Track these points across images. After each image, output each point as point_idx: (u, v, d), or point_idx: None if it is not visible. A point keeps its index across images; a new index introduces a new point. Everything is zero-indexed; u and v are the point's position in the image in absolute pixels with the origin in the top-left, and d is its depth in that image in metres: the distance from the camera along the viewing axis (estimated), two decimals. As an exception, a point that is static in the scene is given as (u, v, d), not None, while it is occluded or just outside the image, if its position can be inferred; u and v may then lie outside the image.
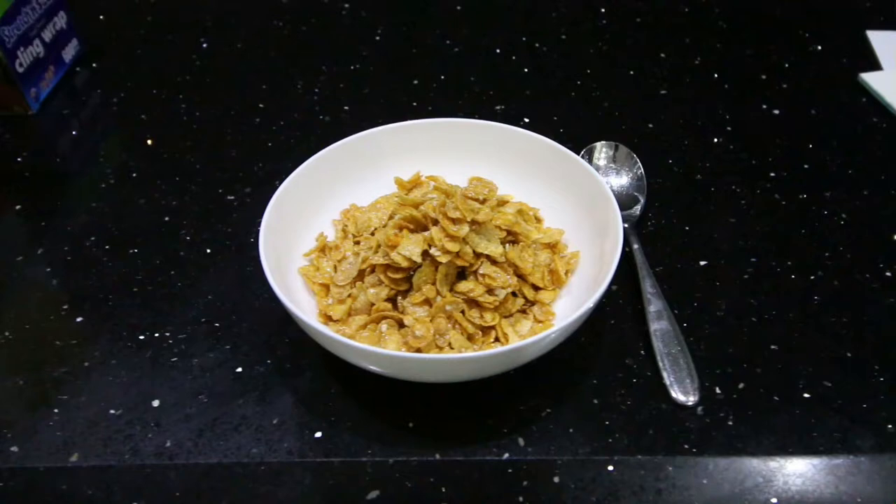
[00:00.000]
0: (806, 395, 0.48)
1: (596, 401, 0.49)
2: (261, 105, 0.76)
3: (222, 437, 0.47)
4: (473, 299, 0.48)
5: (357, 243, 0.54)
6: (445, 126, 0.60)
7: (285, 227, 0.53)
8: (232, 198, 0.65)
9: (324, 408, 0.49)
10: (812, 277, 0.56)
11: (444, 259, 0.47)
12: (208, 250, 0.60)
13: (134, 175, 0.68)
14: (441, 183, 0.57)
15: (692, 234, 0.61)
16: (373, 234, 0.54)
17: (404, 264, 0.48)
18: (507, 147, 0.59)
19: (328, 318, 0.50)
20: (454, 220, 0.48)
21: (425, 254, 0.48)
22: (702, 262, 0.58)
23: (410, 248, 0.48)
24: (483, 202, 0.52)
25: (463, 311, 0.49)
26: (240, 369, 0.51)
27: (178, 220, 0.63)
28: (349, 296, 0.50)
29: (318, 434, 0.47)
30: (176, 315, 0.55)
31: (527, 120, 0.72)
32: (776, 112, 0.73)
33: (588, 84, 0.78)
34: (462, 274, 0.50)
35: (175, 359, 0.52)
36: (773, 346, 0.52)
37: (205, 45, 0.84)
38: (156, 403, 0.49)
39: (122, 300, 0.56)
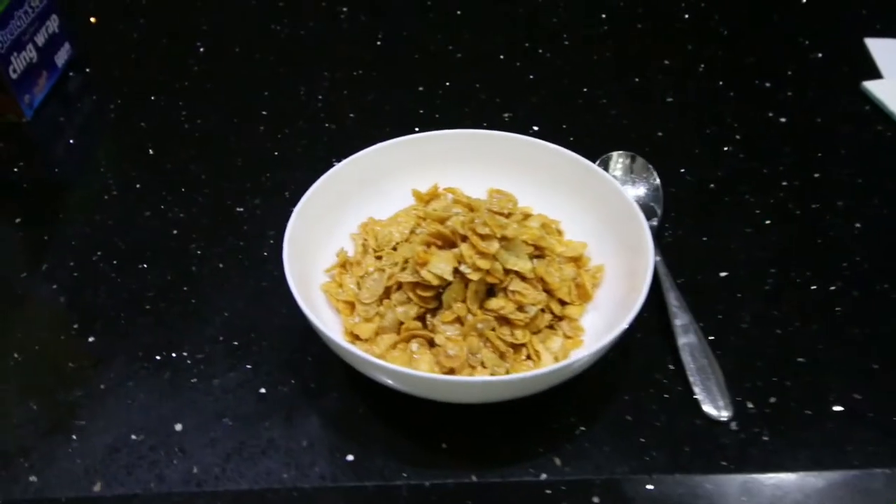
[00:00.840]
0: (837, 409, 0.49)
1: (629, 417, 0.48)
2: (264, 112, 0.74)
3: (251, 462, 0.46)
4: (504, 316, 0.48)
5: (378, 258, 0.53)
6: (463, 137, 0.59)
7: (306, 241, 0.52)
8: (241, 209, 0.64)
9: (353, 429, 0.48)
10: (832, 288, 0.56)
11: (475, 277, 0.47)
12: (221, 265, 0.59)
13: (137, 186, 0.66)
14: (460, 195, 0.56)
15: (710, 244, 0.60)
16: (395, 248, 0.53)
17: (435, 282, 0.47)
18: (527, 158, 0.58)
19: (355, 337, 0.49)
20: (483, 237, 0.47)
21: (455, 271, 0.47)
22: (722, 274, 0.58)
23: (441, 265, 0.47)
24: (508, 216, 0.51)
25: (493, 329, 0.48)
26: (263, 390, 0.50)
27: (187, 233, 0.61)
28: (376, 314, 0.49)
29: (350, 457, 0.46)
30: (192, 334, 0.53)
31: (536, 128, 0.72)
32: (783, 120, 0.73)
33: (594, 91, 0.77)
34: (491, 290, 0.49)
35: (195, 380, 0.51)
36: (799, 359, 0.52)
37: (202, 50, 0.82)
38: (178, 427, 0.48)
39: (135, 318, 0.55)
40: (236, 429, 0.48)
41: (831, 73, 0.79)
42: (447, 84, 0.78)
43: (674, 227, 0.62)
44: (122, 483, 0.45)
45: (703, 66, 0.80)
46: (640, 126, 0.72)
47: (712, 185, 0.66)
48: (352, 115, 0.74)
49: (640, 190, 0.63)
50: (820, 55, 0.81)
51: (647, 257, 0.48)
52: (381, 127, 0.69)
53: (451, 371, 0.46)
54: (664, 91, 0.77)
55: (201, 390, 0.50)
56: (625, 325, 0.45)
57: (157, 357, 0.52)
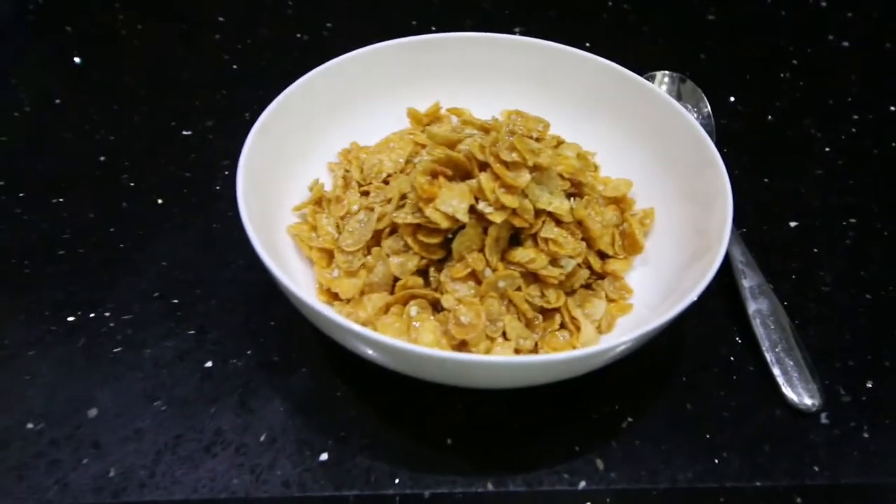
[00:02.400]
0: (955, 397, 0.38)
1: (689, 406, 0.37)
2: (220, 18, 0.61)
3: (189, 463, 0.34)
4: (533, 272, 0.36)
5: (365, 194, 0.41)
6: (471, 44, 0.46)
7: (268, 170, 0.39)
8: (188, 132, 0.51)
9: (329, 418, 0.36)
10: (930, 243, 0.45)
11: (497, 218, 0.35)
12: (160, 200, 0.46)
13: (57, 102, 0.53)
14: (469, 117, 0.44)
15: (775, 188, 0.49)
16: (386, 182, 0.41)
17: (444, 224, 0.34)
18: (552, 72, 0.46)
19: (333, 296, 0.37)
20: (509, 165, 0.35)
21: (471, 210, 0.35)
22: (792, 224, 0.46)
23: (454, 202, 0.34)
24: (537, 141, 0.39)
25: (518, 288, 0.36)
26: (209, 363, 0.38)
27: (117, 160, 0.48)
28: (362, 266, 0.37)
29: (324, 456, 0.35)
30: (118, 288, 0.41)
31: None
32: (845, 44, 0.62)
33: (620, 4, 0.65)
34: (515, 237, 0.37)
35: (119, 349, 0.38)
36: (899, 332, 0.41)
37: (146, -57, 0.68)
38: (93, 413, 0.36)
39: (43, 267, 0.42)
40: (171, 416, 0.36)
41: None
42: (445, -9, 0.64)
43: (729, 167, 0.49)
44: (7, 492, 0.33)
45: (747, -20, 0.68)
46: (679, 47, 0.60)
47: (770, 118, 0.54)
48: (328, 24, 0.61)
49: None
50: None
51: (725, 209, 0.36)
52: (366, 40, 0.56)
53: (463, 344, 0.34)
54: (704, 5, 0.64)
55: (126, 363, 0.38)
56: (693, 296, 0.33)
57: (70, 318, 0.39)
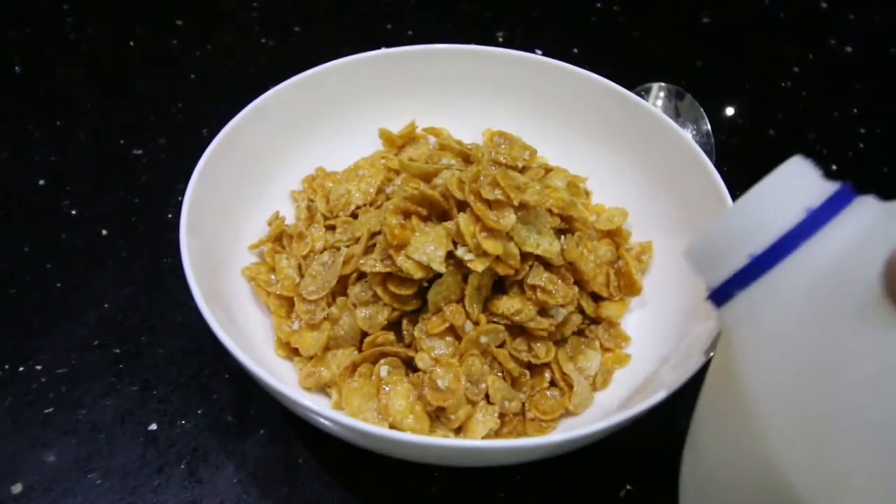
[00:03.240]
0: None
1: (693, 469, 0.33)
2: (178, 22, 0.56)
3: (128, 549, 0.30)
4: (519, 324, 0.32)
5: (331, 228, 0.36)
6: (449, 57, 0.42)
7: (223, 201, 0.35)
8: (139, 152, 0.46)
9: (289, 491, 0.32)
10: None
11: (479, 266, 0.30)
12: (104, 231, 0.42)
13: (-8, 116, 0.48)
14: (447, 139, 0.40)
15: (779, 211, 0.45)
16: (354, 215, 0.36)
17: (417, 275, 0.30)
18: (537, 88, 0.42)
19: (293, 352, 0.33)
20: (492, 204, 0.31)
21: (449, 256, 0.31)
22: (799, 253, 0.43)
23: (429, 249, 0.30)
24: (522, 171, 0.35)
25: (503, 344, 0.32)
26: (154, 426, 0.34)
27: (58, 184, 0.44)
28: (326, 318, 0.33)
29: (284, 537, 0.31)
30: (53, 335, 0.37)
31: (539, 52, 0.55)
32: (848, 49, 0.58)
33: (610, 7, 0.60)
34: (498, 284, 0.33)
35: (50, 409, 0.34)
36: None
37: (98, -63, 0.62)
38: (17, 489, 0.31)
39: (-32, 311, 0.37)
40: (108, 490, 0.32)
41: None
42: (423, -8, 0.60)
43: (730, 187, 0.46)
44: (-87, 591, 0.28)
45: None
46: (673, 52, 0.56)
47: (772, 132, 0.51)
48: (296, 27, 0.56)
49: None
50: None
51: None
52: (336, 46, 0.52)
53: (441, 410, 0.30)
54: (698, 9, 0.60)
55: (58, 426, 0.33)
56: (700, 357, 0.29)
57: (-4, 372, 0.35)
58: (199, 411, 0.34)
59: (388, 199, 0.35)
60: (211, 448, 0.33)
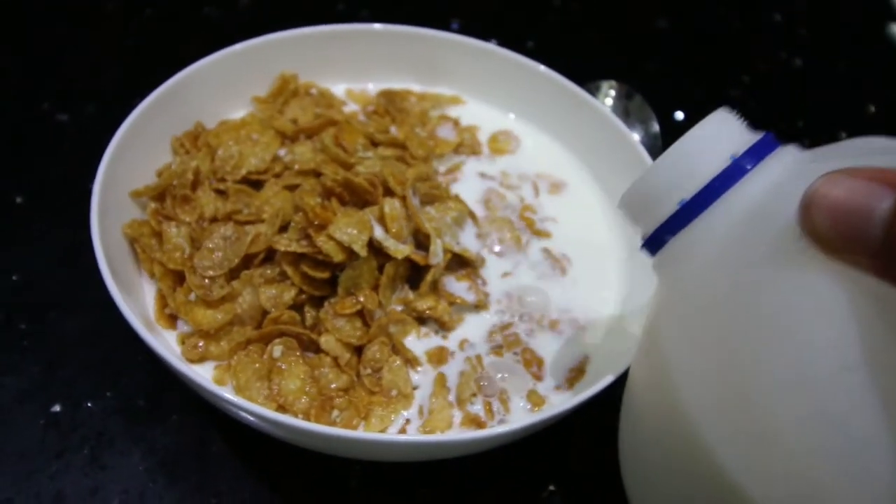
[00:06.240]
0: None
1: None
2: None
3: (18, 538, 0.28)
4: (431, 317, 0.31)
5: (220, 192, 0.34)
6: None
7: (142, 166, 0.33)
8: (64, 117, 0.43)
9: (199, 480, 0.30)
10: None
11: (399, 254, 0.29)
12: (19, 199, 0.39)
13: None
14: (325, 94, 0.38)
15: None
16: (247, 180, 0.34)
17: (338, 258, 0.29)
18: (486, 75, 0.41)
19: (173, 322, 0.31)
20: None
21: (369, 243, 0.29)
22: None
23: (351, 231, 0.29)
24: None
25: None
26: (57, 407, 0.32)
27: (-30, 148, 0.41)
28: (226, 296, 0.30)
29: (191, 530, 0.29)
30: (-48, 307, 0.34)
31: (494, 42, 0.54)
32: (798, 62, 0.58)
33: (567, 5, 0.60)
34: (415, 276, 0.31)
35: (-56, 386, 0.31)
36: None
37: None
38: None
39: None
40: (3, 475, 0.29)
41: (851, 12, 0.64)
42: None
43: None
44: None
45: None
46: (624, 53, 0.56)
47: (719, 139, 0.50)
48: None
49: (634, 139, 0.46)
50: (837, -11, 0.66)
51: None
52: (284, 15, 0.50)
53: (335, 397, 0.28)
54: (653, 12, 0.60)
55: (-48, 404, 0.31)
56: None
57: None
58: (108, 393, 0.32)
59: (285, 167, 0.34)
60: (118, 433, 0.31)
